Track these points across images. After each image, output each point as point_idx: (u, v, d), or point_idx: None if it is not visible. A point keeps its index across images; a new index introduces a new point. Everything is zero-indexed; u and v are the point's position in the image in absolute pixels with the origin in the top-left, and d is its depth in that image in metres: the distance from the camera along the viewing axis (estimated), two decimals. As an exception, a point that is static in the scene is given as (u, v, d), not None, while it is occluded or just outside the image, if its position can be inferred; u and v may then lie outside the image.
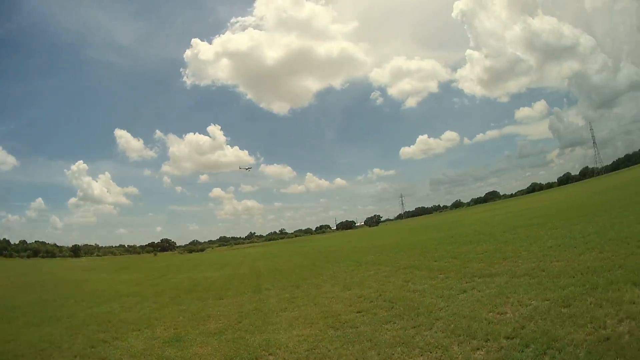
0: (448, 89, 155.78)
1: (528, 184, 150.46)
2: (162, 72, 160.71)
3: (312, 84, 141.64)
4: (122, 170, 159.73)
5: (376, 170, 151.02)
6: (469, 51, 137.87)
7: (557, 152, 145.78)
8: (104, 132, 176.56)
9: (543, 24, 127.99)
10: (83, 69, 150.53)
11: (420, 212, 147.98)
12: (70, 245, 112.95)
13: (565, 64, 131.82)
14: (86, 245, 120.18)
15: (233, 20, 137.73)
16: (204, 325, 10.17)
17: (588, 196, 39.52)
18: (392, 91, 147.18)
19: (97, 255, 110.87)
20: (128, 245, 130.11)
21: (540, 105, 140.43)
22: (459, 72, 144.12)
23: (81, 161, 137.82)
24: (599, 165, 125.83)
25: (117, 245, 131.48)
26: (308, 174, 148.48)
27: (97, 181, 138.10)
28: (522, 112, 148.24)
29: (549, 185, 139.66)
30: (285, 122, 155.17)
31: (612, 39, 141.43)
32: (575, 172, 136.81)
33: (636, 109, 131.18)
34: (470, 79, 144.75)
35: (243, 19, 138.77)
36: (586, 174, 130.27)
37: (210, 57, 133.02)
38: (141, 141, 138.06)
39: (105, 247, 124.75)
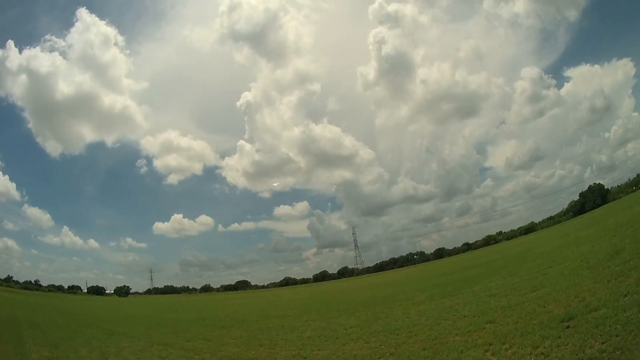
0: (212, 174, 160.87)
1: (281, 277, 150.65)
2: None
3: (88, 133, 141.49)
4: None
5: (129, 239, 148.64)
6: (241, 142, 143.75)
7: (314, 250, 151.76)
8: None
9: (325, 131, 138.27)
10: None
11: (170, 290, 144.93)
12: None
13: (337, 172, 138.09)
14: None
15: (47, 37, 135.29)
16: None
17: (346, 292, 41.08)
18: (158, 163, 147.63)
19: None
20: None
21: (302, 206, 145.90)
22: (227, 160, 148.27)
23: None
24: (359, 266, 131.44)
25: None
26: (65, 227, 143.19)
27: None
28: (282, 210, 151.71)
29: (304, 281, 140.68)
30: (54, 165, 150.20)
31: (394, 155, 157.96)
32: (333, 270, 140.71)
33: (407, 219, 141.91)
34: (236, 169, 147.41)
35: (56, 40, 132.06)
36: (345, 273, 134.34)
37: (14, 68, 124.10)
38: None
39: None
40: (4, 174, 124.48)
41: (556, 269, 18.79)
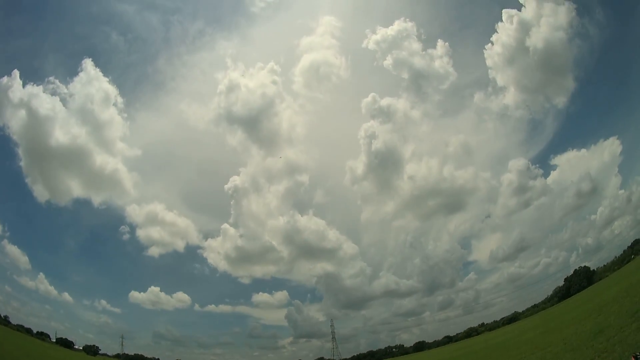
0: (194, 253, 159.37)
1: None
2: None
3: (76, 188, 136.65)
4: None
5: (103, 302, 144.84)
6: (226, 225, 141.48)
7: (290, 339, 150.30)
8: None
9: (310, 223, 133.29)
10: None
11: (139, 359, 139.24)
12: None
13: (319, 264, 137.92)
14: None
15: (51, 79, 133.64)
16: None
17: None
18: (141, 233, 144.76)
19: None
20: None
21: (282, 295, 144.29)
22: (209, 241, 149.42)
23: None
24: (336, 358, 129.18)
25: None
26: (41, 273, 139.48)
27: None
28: (261, 297, 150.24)
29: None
30: (39, 210, 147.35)
31: (377, 250, 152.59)
32: (309, 359, 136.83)
33: (387, 312, 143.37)
34: (218, 252, 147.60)
35: (59, 84, 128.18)
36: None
37: (16, 100, 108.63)
38: None
39: None
40: None
41: (538, 355, 17.16)
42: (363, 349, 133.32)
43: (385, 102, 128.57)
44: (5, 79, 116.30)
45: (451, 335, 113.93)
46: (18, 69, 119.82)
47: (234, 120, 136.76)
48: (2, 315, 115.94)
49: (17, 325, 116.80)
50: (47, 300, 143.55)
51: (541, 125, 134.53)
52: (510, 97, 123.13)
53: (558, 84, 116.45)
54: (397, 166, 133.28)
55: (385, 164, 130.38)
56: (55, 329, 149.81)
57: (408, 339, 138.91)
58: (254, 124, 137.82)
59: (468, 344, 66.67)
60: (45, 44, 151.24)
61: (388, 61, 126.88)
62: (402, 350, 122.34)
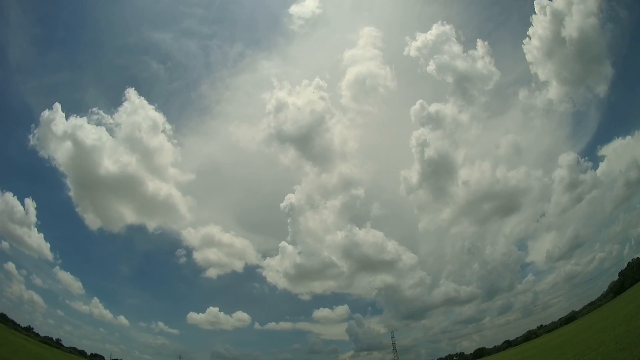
0: (252, 273, 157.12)
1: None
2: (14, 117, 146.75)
3: (129, 215, 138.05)
4: None
5: (160, 323, 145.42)
6: (284, 243, 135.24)
7: (351, 353, 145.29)
8: None
9: (368, 236, 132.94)
10: None
11: None
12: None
13: (379, 276, 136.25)
14: None
15: (95, 110, 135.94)
16: None
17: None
18: (198, 256, 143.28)
19: None
20: None
21: (342, 310, 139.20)
22: (268, 260, 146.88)
23: None
24: None
25: None
26: (95, 298, 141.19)
27: None
28: (321, 313, 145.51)
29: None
30: (91, 238, 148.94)
31: (435, 259, 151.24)
32: None
33: (447, 321, 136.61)
34: (277, 270, 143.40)
35: (103, 115, 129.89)
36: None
37: (59, 132, 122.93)
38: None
39: None
40: (39, 231, 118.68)
41: (590, 357, 18.34)
42: (424, 359, 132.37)
43: (433, 108, 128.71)
44: (46, 112, 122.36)
45: (510, 339, 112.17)
46: (59, 102, 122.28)
47: (285, 139, 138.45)
48: (54, 339, 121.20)
49: (70, 347, 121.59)
50: (101, 324, 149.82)
51: (585, 117, 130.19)
52: (554, 91, 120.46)
53: (597, 73, 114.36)
54: (451, 172, 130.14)
55: (438, 171, 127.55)
56: (110, 350, 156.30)
57: (468, 346, 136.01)
58: (306, 141, 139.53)
59: (525, 348, 66.38)
60: (85, 77, 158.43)
61: (431, 66, 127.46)
62: (462, 358, 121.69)
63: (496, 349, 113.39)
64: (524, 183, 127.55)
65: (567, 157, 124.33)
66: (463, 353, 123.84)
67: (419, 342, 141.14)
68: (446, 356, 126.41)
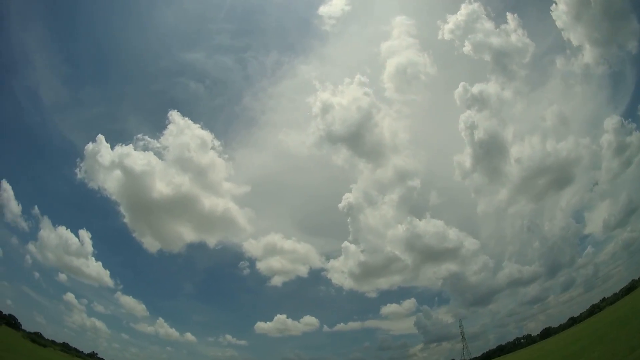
0: (317, 276, 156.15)
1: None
2: (58, 153, 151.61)
3: (188, 234, 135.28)
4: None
5: (228, 336, 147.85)
6: (346, 243, 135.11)
7: (421, 346, 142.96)
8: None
9: (429, 226, 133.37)
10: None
11: None
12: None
13: (443, 266, 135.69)
14: None
15: (140, 136, 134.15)
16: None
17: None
18: (261, 266, 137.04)
19: None
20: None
21: (410, 303, 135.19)
22: (331, 262, 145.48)
23: None
24: (467, 358, 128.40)
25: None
26: (160, 318, 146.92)
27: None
28: (389, 308, 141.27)
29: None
30: (151, 261, 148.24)
31: (496, 241, 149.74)
32: None
33: (513, 303, 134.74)
34: (341, 271, 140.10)
35: (149, 140, 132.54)
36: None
37: (107, 163, 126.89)
38: (20, 206, 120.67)
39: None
40: (96, 260, 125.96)
41: None
42: (492, 344, 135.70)
43: (476, 89, 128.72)
44: (90, 145, 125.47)
45: (575, 316, 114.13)
46: (101, 134, 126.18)
47: (336, 139, 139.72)
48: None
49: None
50: (168, 343, 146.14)
51: (622, 77, 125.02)
52: (588, 54, 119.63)
53: (625, 29, 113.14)
54: (502, 151, 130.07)
55: (490, 152, 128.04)
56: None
57: (535, 327, 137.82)
58: (357, 139, 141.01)
59: (590, 323, 71.48)
60: (123, 107, 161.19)
61: (467, 47, 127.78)
62: (529, 339, 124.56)
63: (562, 327, 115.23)
64: (574, 153, 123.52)
65: (611, 121, 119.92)
66: (530, 335, 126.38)
67: (487, 327, 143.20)
68: (514, 339, 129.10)
